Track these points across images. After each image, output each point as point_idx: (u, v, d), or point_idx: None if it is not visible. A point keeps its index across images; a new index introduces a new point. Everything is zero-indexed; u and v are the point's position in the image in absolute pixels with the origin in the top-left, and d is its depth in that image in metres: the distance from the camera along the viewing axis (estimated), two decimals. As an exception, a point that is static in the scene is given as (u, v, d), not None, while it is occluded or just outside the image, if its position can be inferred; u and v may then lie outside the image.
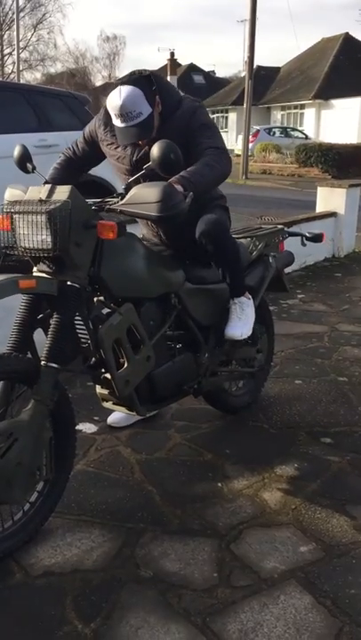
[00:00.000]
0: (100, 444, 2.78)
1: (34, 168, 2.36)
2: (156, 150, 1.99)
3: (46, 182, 2.32)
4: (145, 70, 2.34)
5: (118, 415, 2.91)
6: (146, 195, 2.01)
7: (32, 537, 2.09)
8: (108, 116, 2.40)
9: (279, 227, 3.20)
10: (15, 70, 29.98)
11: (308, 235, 3.19)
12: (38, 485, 2.11)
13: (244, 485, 2.49)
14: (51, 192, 2.02)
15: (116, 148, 2.45)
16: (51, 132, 5.21)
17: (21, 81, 26.08)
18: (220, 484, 2.49)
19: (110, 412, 2.90)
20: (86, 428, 2.90)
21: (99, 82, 46.35)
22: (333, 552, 2.10)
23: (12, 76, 33.55)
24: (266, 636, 1.75)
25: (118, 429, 2.90)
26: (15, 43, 28.29)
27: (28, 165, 2.37)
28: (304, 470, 2.60)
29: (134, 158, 2.40)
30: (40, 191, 2.05)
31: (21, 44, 32.17)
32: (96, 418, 3.00)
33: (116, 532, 2.18)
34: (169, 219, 2.01)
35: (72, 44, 68.70)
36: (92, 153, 2.57)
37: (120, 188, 2.31)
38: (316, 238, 3.19)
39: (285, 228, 3.24)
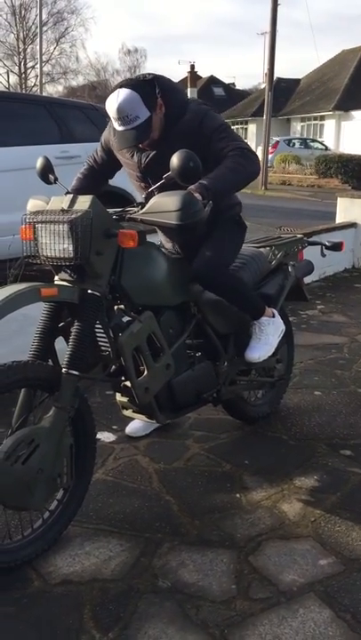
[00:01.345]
0: (119, 453, 2.79)
1: (56, 179, 2.39)
2: (175, 160, 2.00)
3: (68, 193, 2.35)
4: (149, 74, 2.33)
5: (136, 425, 2.92)
6: (165, 203, 2.03)
7: (51, 545, 2.10)
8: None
9: (298, 236, 3.20)
10: (38, 83, 30.40)
11: (327, 243, 3.18)
12: (58, 494, 2.12)
13: (263, 497, 2.47)
14: (72, 202, 2.05)
15: (125, 155, 2.46)
16: (72, 144, 5.26)
17: (44, 94, 26.43)
18: (238, 495, 2.48)
19: (129, 421, 2.91)
20: (105, 437, 2.91)
21: (119, 94, 46.73)
22: (353, 566, 2.07)
23: (34, 88, 34.08)
24: (285, 649, 1.73)
25: (137, 438, 2.90)
26: (38, 56, 28.67)
27: (51, 177, 2.40)
28: (323, 482, 2.58)
29: (142, 165, 2.41)
30: (62, 201, 2.08)
31: (44, 58, 32.66)
32: (115, 427, 3.00)
33: (134, 542, 2.17)
34: (188, 227, 2.02)
35: (94, 57, 69.55)
36: (109, 160, 2.58)
37: (139, 197, 2.34)
38: (336, 247, 3.18)
39: (305, 238, 3.23)
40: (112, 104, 2.22)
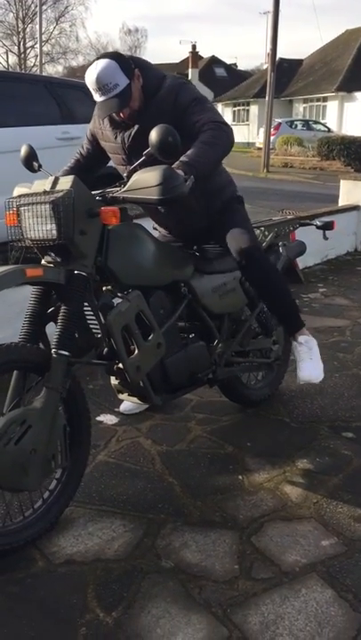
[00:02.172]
0: (121, 435, 2.79)
1: (40, 166, 2.40)
2: (154, 135, 1.99)
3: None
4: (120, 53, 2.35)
5: (129, 402, 2.93)
6: (146, 179, 2.02)
7: (53, 525, 2.11)
8: (102, 119, 2.41)
9: (289, 217, 3.18)
10: (38, 63, 30.09)
11: (318, 223, 3.15)
12: (56, 473, 2.12)
13: (265, 479, 2.48)
14: (54, 183, 2.05)
15: (110, 138, 2.44)
16: (73, 125, 5.21)
17: (43, 74, 26.17)
18: (240, 477, 2.49)
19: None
20: (107, 419, 2.92)
21: (120, 75, 46.30)
22: (355, 546, 2.08)
23: (34, 69, 33.72)
24: (287, 628, 1.74)
25: (139, 421, 2.91)
26: (37, 36, 28.35)
27: (34, 164, 2.41)
28: (325, 464, 2.58)
29: (126, 144, 2.39)
30: (44, 183, 2.08)
31: (44, 38, 32.27)
32: (117, 409, 3.01)
33: (137, 523, 2.18)
34: (170, 201, 2.01)
35: (94, 36, 68.74)
36: (95, 152, 2.57)
37: None
38: (327, 226, 3.15)
39: (296, 219, 3.22)
40: (91, 75, 2.21)
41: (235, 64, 46.38)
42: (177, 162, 2.11)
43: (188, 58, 31.85)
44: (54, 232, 1.97)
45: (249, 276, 2.64)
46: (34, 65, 35.03)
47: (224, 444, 2.74)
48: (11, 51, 37.57)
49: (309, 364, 2.59)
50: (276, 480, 2.47)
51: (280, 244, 3.02)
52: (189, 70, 28.20)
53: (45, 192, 2.02)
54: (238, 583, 1.91)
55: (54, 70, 38.22)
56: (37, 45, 29.68)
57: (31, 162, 2.41)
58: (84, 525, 2.17)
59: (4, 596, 1.84)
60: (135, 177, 2.07)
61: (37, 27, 27.72)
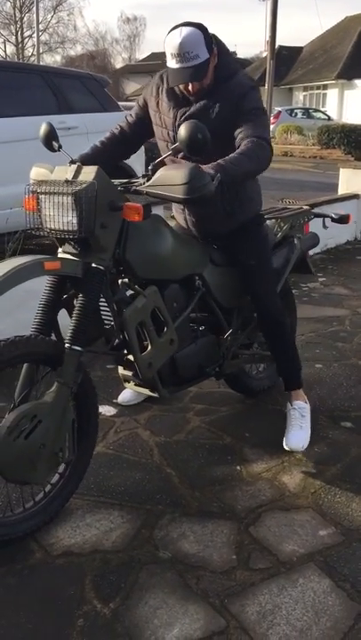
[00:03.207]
0: (120, 426, 2.79)
1: (60, 147, 2.30)
2: (183, 131, 1.94)
3: (72, 162, 2.29)
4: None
5: (128, 393, 2.93)
6: (172, 176, 1.97)
7: (52, 518, 2.11)
8: (160, 81, 2.37)
9: (305, 207, 3.15)
10: (35, 53, 29.88)
11: (333, 216, 3.13)
12: (60, 467, 2.12)
13: (264, 469, 2.48)
14: (77, 172, 2.00)
15: (163, 109, 2.38)
16: (70, 114, 5.18)
17: (41, 63, 25.98)
18: (239, 468, 2.49)
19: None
20: (105, 410, 2.91)
21: (119, 64, 46.16)
22: (353, 536, 2.08)
23: (32, 58, 33.53)
24: (284, 618, 1.75)
25: (137, 412, 2.91)
26: (35, 25, 28.15)
27: (54, 144, 2.30)
28: (324, 454, 2.58)
29: (178, 121, 2.32)
30: (66, 171, 2.03)
31: (41, 27, 32.09)
32: (115, 400, 3.00)
33: (134, 514, 2.19)
34: (195, 201, 1.98)
35: (92, 25, 68.59)
36: (143, 122, 2.48)
37: (139, 170, 2.30)
38: (343, 219, 3.13)
39: (311, 210, 3.19)
40: (174, 39, 2.16)
41: (234, 52, 45.93)
42: (213, 164, 2.07)
43: (186, 46, 31.61)
44: (75, 225, 1.93)
45: (266, 332, 2.69)
46: (32, 54, 34.82)
47: (222, 434, 2.74)
48: (8, 40, 37.40)
49: (298, 433, 2.60)
50: (275, 470, 2.47)
51: (296, 236, 3.00)
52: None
53: (67, 181, 1.97)
54: (236, 573, 1.92)
55: (52, 60, 38.07)
56: (35, 35, 29.46)
57: (51, 141, 2.31)
58: (82, 517, 2.17)
59: (2, 588, 1.85)
60: (161, 172, 2.02)
61: (35, 16, 27.54)
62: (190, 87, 2.26)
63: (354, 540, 2.06)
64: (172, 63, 2.21)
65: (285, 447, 2.57)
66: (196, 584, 1.87)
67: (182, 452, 2.59)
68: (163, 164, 2.15)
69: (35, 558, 1.97)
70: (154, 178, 2.04)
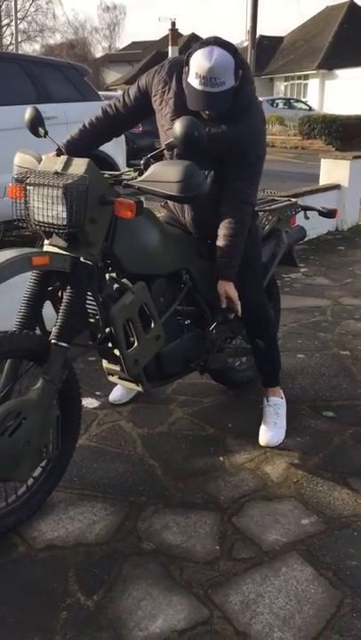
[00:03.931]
0: (102, 418, 2.78)
1: (46, 133, 2.22)
2: (178, 127, 1.88)
3: (59, 150, 2.24)
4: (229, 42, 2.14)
5: (118, 392, 2.91)
6: (166, 173, 1.92)
7: (35, 512, 2.10)
8: (171, 73, 2.24)
9: (292, 200, 3.14)
10: (14, 42, 29.46)
11: (321, 209, 3.13)
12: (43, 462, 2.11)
13: (246, 459, 2.49)
14: (67, 164, 1.94)
15: (164, 110, 2.29)
16: (49, 104, 5.11)
17: (20, 52, 25.64)
18: (221, 458, 2.49)
19: (112, 387, 2.90)
20: (88, 403, 2.90)
21: (99, 53, 45.70)
22: (335, 524, 2.10)
23: (10, 47, 33.00)
24: (267, 607, 1.76)
25: (120, 404, 2.90)
26: (13, 13, 27.73)
27: (40, 130, 2.22)
28: (306, 444, 2.60)
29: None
30: (55, 162, 1.97)
31: (19, 15, 31.66)
32: (98, 393, 2.99)
33: (118, 506, 2.18)
34: (189, 199, 1.95)
35: (71, 14, 67.66)
36: (141, 106, 2.37)
37: (120, 162, 2.26)
38: (330, 214, 3.13)
39: (298, 202, 3.18)
40: (204, 61, 2.03)
41: (215, 41, 45.80)
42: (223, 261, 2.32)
43: (167, 35, 31.32)
44: (64, 219, 1.88)
45: (248, 328, 2.69)
46: (10, 43, 34.28)
47: (205, 425, 2.74)
48: (-14, 29, 36.74)
49: (272, 429, 2.61)
50: (257, 460, 2.48)
51: (283, 230, 2.99)
52: (169, 48, 27.76)
53: (57, 173, 1.91)
54: (219, 563, 1.93)
55: (31, 49, 37.54)
56: (13, 23, 29.04)
57: (37, 127, 2.21)
58: (65, 510, 2.16)
59: (-15, 583, 1.84)
60: (155, 167, 1.96)
61: (13, 4, 27.10)
62: (208, 112, 2.18)
63: (336, 529, 2.08)
64: (194, 82, 2.08)
65: (260, 442, 2.58)
66: (179, 575, 1.88)
67: (165, 443, 2.59)
68: (156, 158, 2.09)
69: (18, 552, 1.96)
70: (147, 173, 1.98)
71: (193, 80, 2.09)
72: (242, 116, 2.22)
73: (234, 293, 2.40)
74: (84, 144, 2.37)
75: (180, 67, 2.21)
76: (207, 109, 2.16)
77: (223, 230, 2.35)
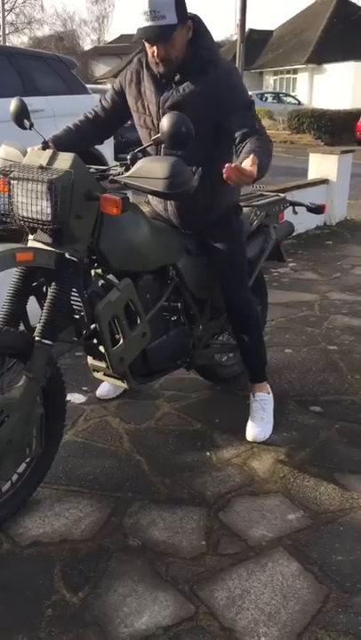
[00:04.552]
0: (89, 414, 2.77)
1: (31, 125, 2.19)
2: (166, 123, 1.85)
3: (45, 143, 2.22)
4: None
5: (106, 387, 2.89)
6: (153, 169, 1.89)
7: (20, 508, 2.09)
8: (138, 66, 2.32)
9: (281, 196, 3.13)
10: (1, 34, 29.19)
11: (309, 205, 3.12)
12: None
13: (233, 454, 2.49)
14: (52, 159, 1.92)
15: (146, 93, 2.31)
16: (36, 97, 5.07)
17: (7, 44, 25.40)
18: (208, 454, 2.49)
19: (99, 382, 2.88)
20: (75, 398, 2.88)
21: (87, 46, 45.37)
22: (321, 519, 2.11)
23: (-2, 39, 32.70)
24: (253, 602, 1.76)
25: (107, 400, 2.88)
26: (0, 5, 27.47)
27: (26, 122, 2.19)
28: (293, 439, 2.60)
29: (163, 106, 2.25)
30: (40, 156, 1.95)
31: (7, 6, 31.31)
32: (85, 388, 2.98)
33: (104, 502, 2.17)
34: (176, 196, 1.93)
35: (60, 6, 67.02)
36: (119, 107, 2.41)
37: (108, 155, 2.24)
38: (318, 210, 3.13)
39: (286, 198, 3.17)
40: None
41: (204, 35, 45.68)
42: (256, 163, 2.01)
43: (156, 28, 31.22)
44: (49, 214, 1.85)
45: (233, 324, 2.66)
46: (-2, 35, 33.96)
47: (192, 420, 2.74)
48: (-27, 20, 36.35)
49: (259, 424, 2.60)
50: (244, 455, 2.48)
51: (271, 225, 2.98)
52: (158, 41, 27.78)
53: (41, 167, 1.88)
54: (205, 559, 1.92)
55: (19, 41, 37.20)
56: (0, 15, 28.76)
57: (22, 119, 2.18)
58: (51, 506, 2.15)
59: (-31, 580, 1.82)
60: (141, 163, 1.93)
61: (0, -5, 26.87)
62: (155, 51, 2.17)
63: (322, 524, 2.08)
64: (141, 21, 2.11)
65: (247, 438, 2.58)
66: (165, 571, 1.87)
67: (152, 438, 2.58)
68: (143, 153, 2.08)
69: (3, 549, 1.95)
70: (133, 168, 1.95)
71: (139, 19, 2.10)
72: (207, 70, 2.22)
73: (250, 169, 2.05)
74: (70, 144, 2.35)
75: (146, 56, 2.28)
76: (148, 38, 2.15)
77: (251, 145, 2.17)
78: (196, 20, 2.23)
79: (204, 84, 2.20)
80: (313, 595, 1.79)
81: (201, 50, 2.22)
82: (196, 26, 2.22)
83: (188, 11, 2.18)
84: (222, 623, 1.69)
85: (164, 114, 2.22)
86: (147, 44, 2.20)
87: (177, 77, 2.23)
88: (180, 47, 2.18)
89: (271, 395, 2.72)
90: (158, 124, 2.24)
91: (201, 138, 2.08)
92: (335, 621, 1.70)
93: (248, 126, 2.20)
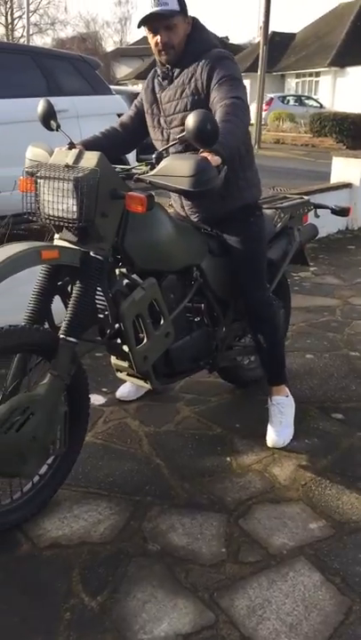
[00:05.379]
0: (109, 415, 2.76)
1: (58, 126, 2.20)
2: (191, 121, 1.83)
3: (71, 144, 2.23)
4: None
5: (127, 389, 2.88)
6: (178, 167, 1.88)
7: (40, 509, 2.08)
8: (153, 74, 2.42)
9: (305, 198, 3.10)
10: (25, 34, 29.42)
11: (334, 208, 3.08)
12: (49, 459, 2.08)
13: (254, 460, 2.46)
14: (78, 157, 1.93)
15: (154, 116, 2.39)
16: (60, 97, 5.07)
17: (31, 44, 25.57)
18: (229, 459, 2.46)
19: (119, 383, 2.87)
20: (95, 399, 2.87)
21: (110, 47, 45.57)
22: (343, 529, 2.07)
23: (22, 39, 32.97)
24: (274, 612, 1.73)
25: (127, 401, 2.87)
26: (25, 6, 27.70)
27: (53, 123, 2.20)
28: (314, 446, 2.56)
29: (162, 106, 2.31)
30: (67, 155, 1.96)
31: (31, 8, 31.58)
32: (105, 389, 2.97)
33: (123, 505, 2.16)
34: (201, 194, 1.91)
35: (83, 7, 67.25)
36: (137, 123, 2.48)
37: (130, 157, 2.24)
38: (343, 212, 3.09)
39: (310, 200, 3.13)
40: None
41: (227, 37, 45.49)
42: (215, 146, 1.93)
43: (179, 30, 31.28)
44: (75, 212, 1.87)
45: (251, 325, 2.63)
46: (21, 36, 34.27)
47: (212, 425, 2.71)
48: (-2, 21, 36.69)
49: (278, 429, 2.56)
50: (265, 462, 2.45)
51: (296, 227, 2.94)
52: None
53: (68, 166, 1.90)
54: (225, 567, 1.90)
55: (42, 41, 37.50)
56: (25, 16, 29.00)
57: (49, 120, 2.20)
58: (70, 508, 2.13)
59: (-12, 581, 1.81)
60: (166, 162, 1.93)
61: (25, -4, 27.06)
62: (159, 39, 2.23)
63: (344, 534, 2.05)
64: (147, 8, 2.19)
65: (268, 443, 2.54)
66: (185, 577, 1.85)
67: (172, 442, 2.56)
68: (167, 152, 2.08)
69: (21, 550, 1.94)
70: (158, 167, 1.95)
71: (148, 5, 2.19)
72: (200, 57, 2.25)
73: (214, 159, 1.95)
74: (98, 148, 2.35)
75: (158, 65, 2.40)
76: (153, 15, 2.19)
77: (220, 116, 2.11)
78: (194, 19, 2.33)
79: (193, 69, 2.24)
80: (335, 606, 1.75)
81: (196, 43, 2.28)
82: (195, 23, 2.31)
83: (194, 15, 2.30)
84: (243, 633, 1.66)
85: (165, 110, 2.33)
86: (151, 38, 2.27)
87: (175, 73, 2.29)
88: (182, 35, 2.25)
89: (290, 398, 2.68)
90: (165, 121, 2.35)
91: None
92: (358, 634, 1.66)
93: (220, 93, 2.16)
